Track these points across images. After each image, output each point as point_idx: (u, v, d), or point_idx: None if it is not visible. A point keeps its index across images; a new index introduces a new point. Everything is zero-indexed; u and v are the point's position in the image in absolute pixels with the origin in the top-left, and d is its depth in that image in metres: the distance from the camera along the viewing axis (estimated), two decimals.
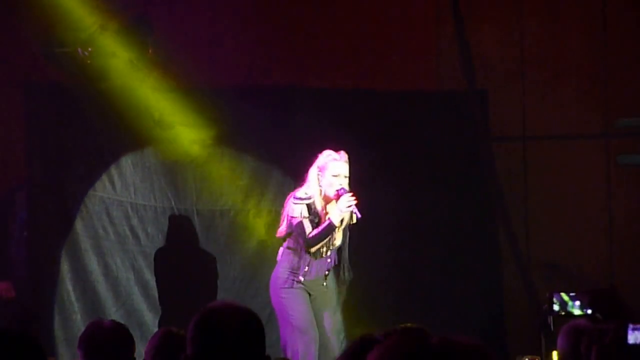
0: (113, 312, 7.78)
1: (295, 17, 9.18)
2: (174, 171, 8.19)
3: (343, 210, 6.86)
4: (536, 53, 9.19)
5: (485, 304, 8.50)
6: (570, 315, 3.80)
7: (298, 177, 8.14)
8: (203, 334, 3.20)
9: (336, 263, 7.16)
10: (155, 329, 7.18)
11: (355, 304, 8.05)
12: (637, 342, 3.42)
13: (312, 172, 7.02)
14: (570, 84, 9.14)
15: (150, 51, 8.35)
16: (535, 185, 9.14)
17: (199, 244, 8.16)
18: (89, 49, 8.07)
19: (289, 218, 6.97)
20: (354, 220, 7.03)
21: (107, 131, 8.03)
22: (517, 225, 8.66)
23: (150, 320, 7.96)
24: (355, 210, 6.83)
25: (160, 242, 8.10)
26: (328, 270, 7.08)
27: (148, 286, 8.03)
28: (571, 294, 3.67)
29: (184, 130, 8.21)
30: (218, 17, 9.17)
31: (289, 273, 6.99)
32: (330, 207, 7.00)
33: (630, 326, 3.38)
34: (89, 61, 8.09)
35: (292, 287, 6.97)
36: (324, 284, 7.08)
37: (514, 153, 9.13)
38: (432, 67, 9.16)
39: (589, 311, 3.24)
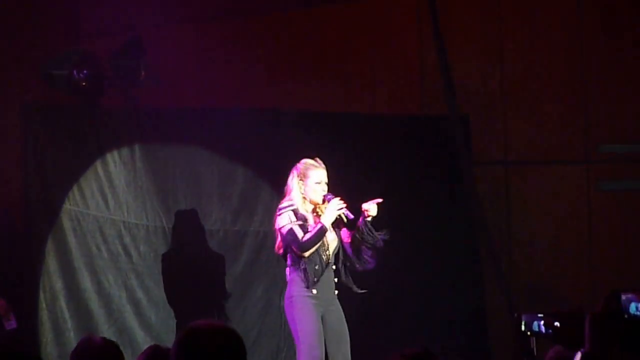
0: (105, 330, 7.78)
1: (284, 41, 9.31)
2: (166, 190, 8.25)
3: (334, 213, 7.01)
4: (517, 79, 9.25)
5: (468, 325, 8.54)
6: (536, 334, 3.91)
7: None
8: (185, 352, 3.30)
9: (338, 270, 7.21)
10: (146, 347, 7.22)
11: None
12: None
13: (294, 181, 7.13)
14: (551, 110, 9.19)
15: (142, 73, 8.47)
16: (517, 208, 9.19)
17: (188, 263, 8.20)
18: (84, 71, 8.19)
19: (279, 229, 7.05)
20: (346, 221, 7.13)
21: (101, 151, 8.12)
22: (500, 247, 8.76)
23: (142, 337, 7.97)
24: (347, 212, 7.00)
25: (151, 260, 8.13)
26: (337, 278, 7.13)
27: (139, 304, 8.06)
28: (539, 315, 3.76)
29: (176, 150, 8.33)
30: (207, 40, 9.31)
31: (299, 289, 7.01)
32: (318, 211, 7.12)
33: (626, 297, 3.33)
34: (83, 83, 8.21)
35: (304, 303, 6.99)
36: (336, 292, 7.11)
37: (495, 177, 9.19)
38: (417, 92, 9.27)
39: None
